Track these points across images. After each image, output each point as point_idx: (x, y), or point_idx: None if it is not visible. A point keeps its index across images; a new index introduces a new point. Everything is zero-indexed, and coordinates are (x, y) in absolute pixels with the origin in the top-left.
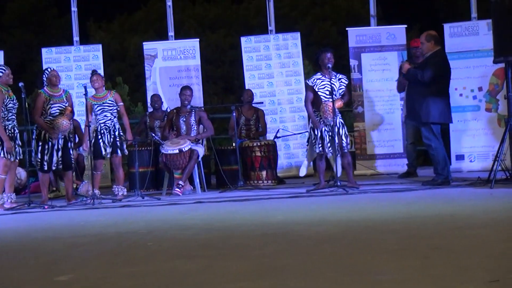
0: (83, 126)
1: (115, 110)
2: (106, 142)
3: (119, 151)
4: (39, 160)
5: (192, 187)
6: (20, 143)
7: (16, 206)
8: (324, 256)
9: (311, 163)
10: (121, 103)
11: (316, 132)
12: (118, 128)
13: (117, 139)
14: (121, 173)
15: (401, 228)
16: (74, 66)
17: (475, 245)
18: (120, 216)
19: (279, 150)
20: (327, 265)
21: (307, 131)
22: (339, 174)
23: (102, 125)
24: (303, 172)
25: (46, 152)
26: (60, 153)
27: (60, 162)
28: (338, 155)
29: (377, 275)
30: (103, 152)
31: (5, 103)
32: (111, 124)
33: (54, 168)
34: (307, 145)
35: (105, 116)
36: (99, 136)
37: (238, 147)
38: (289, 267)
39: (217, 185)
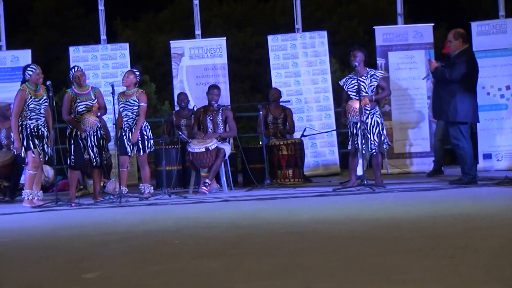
0: (109, 125)
1: (137, 110)
2: (129, 139)
3: (141, 151)
4: (73, 159)
5: (218, 186)
6: (47, 142)
7: (43, 204)
8: (350, 255)
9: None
10: (143, 104)
11: (351, 129)
12: (143, 127)
13: (139, 138)
14: (147, 171)
15: (427, 228)
16: (102, 65)
17: (502, 244)
18: (147, 214)
19: (306, 148)
20: (353, 264)
21: (334, 130)
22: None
23: (125, 123)
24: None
25: (82, 149)
26: (96, 150)
27: (98, 158)
28: (365, 154)
29: (403, 274)
30: (128, 149)
31: (27, 103)
32: (132, 123)
33: (94, 164)
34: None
35: (126, 115)
36: (123, 134)
37: (265, 146)
38: (315, 266)
39: (243, 183)
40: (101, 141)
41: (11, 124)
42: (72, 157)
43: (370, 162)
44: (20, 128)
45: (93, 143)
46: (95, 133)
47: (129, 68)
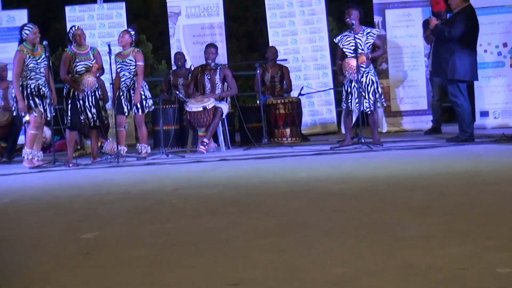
0: (107, 85)
1: (134, 69)
2: (126, 99)
3: (139, 110)
4: (70, 118)
5: (216, 145)
6: (49, 102)
7: (41, 165)
8: (348, 212)
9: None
10: (140, 62)
11: (346, 87)
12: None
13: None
14: (144, 131)
15: (425, 185)
16: (98, 24)
17: (499, 201)
18: (145, 174)
19: (303, 107)
20: (351, 221)
21: (332, 88)
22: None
23: (123, 83)
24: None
25: (79, 109)
26: (95, 110)
27: (96, 118)
28: (368, 110)
29: (401, 231)
30: (124, 109)
31: (26, 63)
32: (130, 82)
33: (92, 125)
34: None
35: (124, 75)
36: (120, 93)
37: (262, 105)
38: (313, 224)
39: (241, 142)
40: (99, 101)
41: (13, 85)
42: (69, 117)
43: (367, 120)
44: (21, 88)
45: (91, 104)
46: (93, 94)
47: (125, 27)
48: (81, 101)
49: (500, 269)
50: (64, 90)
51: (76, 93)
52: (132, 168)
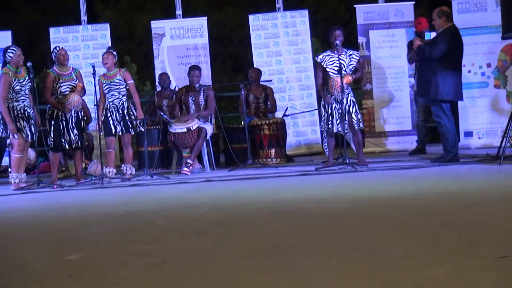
0: (90, 106)
1: (124, 89)
2: (115, 120)
3: (131, 130)
4: (52, 140)
5: (201, 166)
6: (34, 123)
7: (25, 186)
8: (333, 233)
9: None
10: (131, 81)
11: (326, 109)
12: (127, 107)
13: (127, 117)
14: (130, 152)
15: (410, 205)
16: (82, 46)
17: (484, 221)
18: (130, 195)
19: (287, 128)
20: (336, 242)
21: (316, 109)
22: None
23: (111, 103)
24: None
25: (61, 131)
26: (76, 132)
27: (78, 140)
28: (348, 133)
29: (386, 251)
30: (113, 130)
31: (12, 86)
32: (119, 102)
33: (74, 146)
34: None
35: (113, 95)
36: (109, 114)
37: (247, 125)
38: (298, 245)
39: (226, 163)
40: (81, 122)
41: (1, 108)
42: (52, 139)
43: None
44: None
45: (73, 125)
46: (75, 115)
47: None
48: (64, 122)
49: None
50: (47, 111)
51: (60, 114)
52: (116, 189)
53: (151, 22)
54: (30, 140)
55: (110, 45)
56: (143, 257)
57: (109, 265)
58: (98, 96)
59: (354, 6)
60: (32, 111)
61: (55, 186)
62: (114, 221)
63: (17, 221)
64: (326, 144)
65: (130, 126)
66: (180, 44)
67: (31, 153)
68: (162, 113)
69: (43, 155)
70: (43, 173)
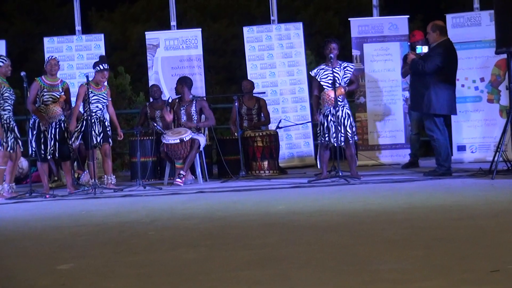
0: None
1: (105, 103)
2: (96, 131)
3: (110, 140)
4: (35, 149)
5: (193, 177)
6: (18, 135)
7: (17, 196)
8: (325, 246)
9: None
10: (110, 99)
11: (322, 122)
12: (107, 119)
13: (108, 129)
14: (109, 163)
15: (402, 219)
16: (76, 56)
17: (476, 235)
18: (122, 206)
19: (281, 140)
20: (329, 255)
21: (310, 122)
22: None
23: (94, 114)
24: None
25: (42, 141)
26: (53, 142)
27: (53, 151)
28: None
29: (378, 265)
30: (95, 141)
31: (1, 92)
32: (101, 114)
33: (49, 157)
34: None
35: (97, 107)
36: (92, 126)
37: (240, 137)
38: (290, 257)
39: (218, 175)
40: (64, 133)
41: None
42: (34, 149)
43: (344, 154)
44: None
45: (52, 136)
46: (57, 126)
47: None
48: (45, 133)
49: None
50: (31, 121)
51: (40, 124)
52: (109, 199)
53: (146, 33)
54: (12, 152)
55: (103, 54)
56: (134, 268)
57: (101, 275)
58: (76, 101)
59: (349, 19)
60: (14, 123)
61: (47, 196)
62: (106, 231)
63: (8, 230)
64: (319, 156)
65: (109, 136)
66: (174, 55)
67: (24, 163)
68: (155, 124)
69: (35, 165)
70: (36, 183)
